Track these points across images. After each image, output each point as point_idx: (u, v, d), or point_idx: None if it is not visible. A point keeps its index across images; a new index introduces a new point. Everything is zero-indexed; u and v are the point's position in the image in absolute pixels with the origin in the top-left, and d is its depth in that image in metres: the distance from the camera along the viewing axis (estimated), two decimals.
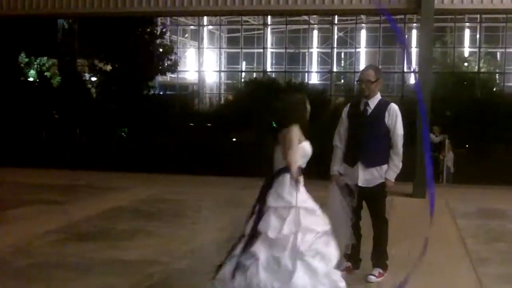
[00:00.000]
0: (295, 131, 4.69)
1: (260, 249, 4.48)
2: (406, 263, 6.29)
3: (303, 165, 4.78)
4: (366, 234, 6.04)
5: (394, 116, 5.75)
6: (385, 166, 5.78)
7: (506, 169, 17.29)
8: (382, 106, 5.81)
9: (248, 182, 13.63)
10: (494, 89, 30.82)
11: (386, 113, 5.76)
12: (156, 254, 6.81)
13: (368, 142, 5.76)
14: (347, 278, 5.81)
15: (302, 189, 4.59)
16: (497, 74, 35.37)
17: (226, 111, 23.83)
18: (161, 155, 17.70)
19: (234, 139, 20.68)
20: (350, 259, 5.98)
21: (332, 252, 4.58)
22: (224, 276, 4.57)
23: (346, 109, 5.99)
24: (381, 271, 5.89)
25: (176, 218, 9.13)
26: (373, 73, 5.83)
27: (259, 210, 4.64)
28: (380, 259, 5.94)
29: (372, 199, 5.87)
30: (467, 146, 20.82)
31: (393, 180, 5.81)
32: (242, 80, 35.36)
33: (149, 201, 10.46)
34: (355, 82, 23.67)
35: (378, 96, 5.85)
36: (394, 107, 5.81)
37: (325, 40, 38.86)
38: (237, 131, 20.26)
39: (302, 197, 4.57)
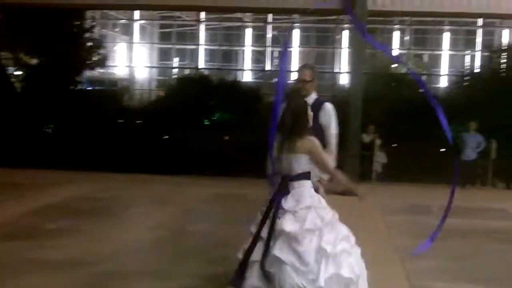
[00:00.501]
0: (317, 143, 4.80)
1: (283, 251, 4.42)
2: None
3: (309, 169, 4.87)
4: None
5: (328, 115, 5.76)
6: None
7: (432, 167, 17.75)
8: (317, 105, 5.77)
9: (178, 180, 13.58)
10: (421, 91, 31.63)
11: (321, 112, 5.74)
12: (84, 253, 6.61)
13: None
14: None
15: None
16: (424, 76, 36.32)
17: (157, 108, 23.48)
18: (89, 152, 17.26)
19: (165, 137, 20.39)
20: None
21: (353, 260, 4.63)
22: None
23: (282, 108, 5.94)
24: None
25: (106, 216, 8.92)
26: (310, 72, 5.82)
27: (274, 213, 4.63)
28: None
29: None
30: (395, 145, 21.23)
31: (327, 179, 5.76)
32: (174, 76, 35.04)
33: (79, 199, 10.21)
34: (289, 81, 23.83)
35: (313, 95, 5.84)
36: (328, 106, 5.82)
37: (259, 39, 38.96)
38: (168, 128, 19.97)
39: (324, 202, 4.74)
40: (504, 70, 21.23)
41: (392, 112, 22.18)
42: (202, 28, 38.77)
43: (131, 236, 7.53)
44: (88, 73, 28.57)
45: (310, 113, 5.03)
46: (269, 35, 38.05)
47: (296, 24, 37.22)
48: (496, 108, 18.03)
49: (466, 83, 22.46)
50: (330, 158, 5.13)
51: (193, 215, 9.48)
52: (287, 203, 4.69)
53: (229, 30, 39.58)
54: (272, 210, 4.67)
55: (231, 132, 19.82)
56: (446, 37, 36.99)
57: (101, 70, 32.38)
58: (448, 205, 5.30)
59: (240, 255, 4.76)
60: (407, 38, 36.00)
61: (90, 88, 29.31)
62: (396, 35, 37.35)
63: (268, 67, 37.94)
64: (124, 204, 10.17)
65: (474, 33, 36.04)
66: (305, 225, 4.48)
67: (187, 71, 34.04)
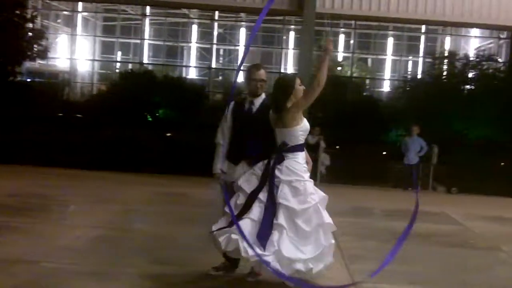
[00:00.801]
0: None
1: (283, 221, 5.22)
2: None
3: (303, 141, 5.52)
4: None
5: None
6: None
7: (374, 169, 18.00)
8: (266, 105, 5.79)
9: (120, 177, 13.33)
10: (365, 94, 32.07)
11: (271, 112, 5.72)
12: (22, 252, 6.36)
13: (253, 140, 5.72)
14: (225, 277, 5.78)
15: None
16: (368, 80, 36.86)
17: (99, 102, 23.07)
18: (26, 146, 16.74)
19: (107, 132, 20.01)
20: (229, 258, 5.81)
21: None
22: (246, 250, 5.10)
23: (230, 107, 5.90)
24: (258, 270, 5.69)
25: (44, 213, 8.66)
26: (265, 72, 5.86)
27: (271, 181, 5.33)
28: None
29: None
30: (338, 147, 21.44)
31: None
32: (117, 70, 34.52)
33: (16, 195, 9.87)
34: (237, 80, 23.68)
35: (262, 95, 5.85)
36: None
37: (205, 36, 38.75)
38: (109, 123, 19.60)
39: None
40: (446, 76, 21.73)
41: (336, 114, 22.42)
42: (147, 22, 38.32)
43: (71, 235, 7.29)
44: (28, 65, 27.87)
45: (300, 87, 5.54)
46: (216, 32, 37.92)
47: (243, 23, 37.25)
48: (437, 113, 18.44)
49: (409, 88, 22.90)
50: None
51: (135, 214, 9.30)
52: (283, 173, 5.38)
53: (174, 25, 39.23)
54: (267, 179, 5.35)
55: (175, 130, 19.64)
56: (390, 42, 37.62)
57: (42, 62, 31.67)
58: (414, 210, 6.02)
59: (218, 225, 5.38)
60: (352, 41, 36.47)
61: (29, 80, 28.59)
62: (341, 39, 37.78)
63: (213, 64, 37.82)
64: (63, 201, 9.89)
65: (417, 39, 36.79)
66: (303, 199, 5.32)
67: (130, 66, 33.54)
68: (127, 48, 39.85)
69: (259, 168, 5.50)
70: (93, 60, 38.75)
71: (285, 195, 5.31)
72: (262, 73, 5.81)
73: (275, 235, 5.16)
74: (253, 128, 5.73)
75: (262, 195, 5.31)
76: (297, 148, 5.50)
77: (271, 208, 5.27)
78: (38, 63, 31.08)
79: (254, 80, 5.76)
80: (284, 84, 5.61)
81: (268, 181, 5.34)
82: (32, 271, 5.71)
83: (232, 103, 5.95)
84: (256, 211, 5.27)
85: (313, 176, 7.09)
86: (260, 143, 5.71)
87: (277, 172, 5.38)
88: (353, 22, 33.60)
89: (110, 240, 7.17)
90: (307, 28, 12.50)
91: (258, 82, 5.77)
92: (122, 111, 19.76)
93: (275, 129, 5.53)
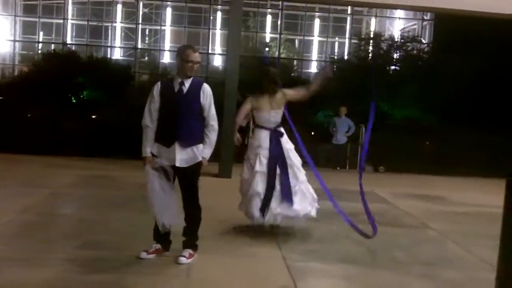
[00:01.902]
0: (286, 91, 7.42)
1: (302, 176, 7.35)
2: (218, 244, 6.42)
3: None
4: None
5: (208, 96, 5.75)
6: (201, 145, 5.74)
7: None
8: (196, 86, 5.74)
9: (45, 160, 12.93)
10: (293, 75, 32.30)
11: (201, 93, 5.71)
12: None
13: (185, 122, 5.65)
14: (156, 260, 5.67)
15: None
16: (295, 61, 37.10)
17: (21, 84, 22.36)
18: None
19: (29, 115, 19.41)
20: (160, 241, 5.85)
21: None
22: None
23: (157, 88, 5.76)
24: (191, 252, 5.80)
25: None
26: (199, 55, 5.82)
27: (279, 152, 7.10)
28: (191, 240, 5.86)
29: (187, 180, 5.77)
30: None
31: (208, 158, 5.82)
32: (39, 51, 33.52)
33: None
34: (162, 60, 23.37)
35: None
36: (207, 87, 5.81)
37: (130, 15, 38.05)
38: (32, 105, 19.02)
39: None
40: (371, 57, 22.12)
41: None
42: (69, 1, 37.31)
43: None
44: None
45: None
46: (141, 12, 37.31)
47: (169, 3, 36.75)
48: (364, 94, 18.72)
49: (336, 69, 23.18)
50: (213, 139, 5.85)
51: (63, 198, 9.04)
52: (285, 143, 7.18)
53: (98, 5, 38.35)
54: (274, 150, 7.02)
55: (100, 111, 19.26)
56: (317, 23, 37.96)
57: None
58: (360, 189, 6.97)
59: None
60: (279, 22, 36.58)
61: None
62: (268, 19, 37.86)
63: (139, 45, 37.21)
64: None
65: (343, 20, 37.27)
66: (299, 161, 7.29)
67: (53, 47, 32.60)
68: (50, 28, 38.72)
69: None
70: (14, 40, 37.50)
71: (294, 158, 7.19)
72: (198, 55, 5.77)
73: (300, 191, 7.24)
74: (184, 108, 5.65)
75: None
76: (281, 124, 7.25)
77: (285, 172, 7.02)
78: None
79: (190, 61, 5.66)
80: (280, 76, 7.48)
81: (279, 152, 7.04)
82: None
83: (159, 83, 5.82)
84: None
85: (241, 158, 7.18)
86: (191, 124, 5.66)
87: (284, 144, 7.14)
88: (280, 2, 33.75)
89: (39, 225, 6.95)
90: (235, 8, 12.35)
91: (195, 64, 5.69)
92: (46, 92, 19.20)
93: (271, 111, 7.15)
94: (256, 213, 6.90)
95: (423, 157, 15.95)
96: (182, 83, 5.70)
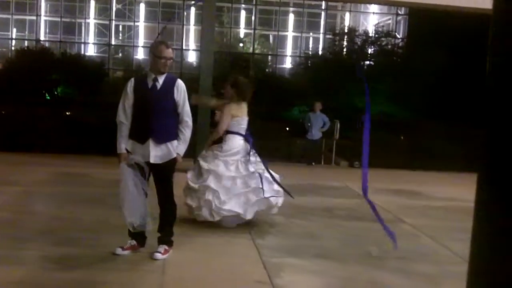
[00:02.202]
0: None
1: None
2: (194, 239, 6.40)
3: None
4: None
5: (182, 92, 5.75)
6: (175, 142, 5.74)
7: (277, 146, 18.18)
8: (170, 82, 5.74)
9: (17, 158, 12.80)
10: (267, 70, 32.32)
11: (175, 89, 5.70)
12: None
13: (159, 118, 5.65)
14: (132, 256, 5.66)
15: None
16: (270, 56, 37.12)
17: None
18: None
19: (2, 112, 19.19)
20: (136, 237, 5.84)
21: None
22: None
23: (131, 84, 5.75)
24: (166, 247, 5.80)
25: None
26: (172, 51, 5.82)
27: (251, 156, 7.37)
28: (166, 236, 5.86)
29: (162, 176, 5.77)
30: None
31: (182, 154, 5.82)
32: (13, 48, 33.16)
33: None
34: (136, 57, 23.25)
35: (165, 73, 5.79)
36: (181, 83, 5.81)
37: (103, 12, 37.76)
38: (5, 102, 18.79)
39: None
40: (346, 52, 22.21)
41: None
42: None
43: None
44: None
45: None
46: (114, 8, 37.03)
47: None
48: (338, 89, 18.82)
49: (310, 65, 23.24)
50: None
51: (35, 195, 8.97)
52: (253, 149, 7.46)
53: (71, 1, 37.99)
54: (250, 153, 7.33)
55: (74, 108, 19.11)
56: (291, 18, 37.99)
57: None
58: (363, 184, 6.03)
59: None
60: (253, 18, 36.55)
61: None
62: (242, 15, 37.83)
63: (113, 41, 36.95)
64: None
65: (317, 16, 37.34)
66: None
67: (26, 43, 32.27)
68: (23, 24, 38.34)
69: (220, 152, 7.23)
70: None
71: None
72: (171, 51, 5.77)
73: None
74: (158, 105, 5.64)
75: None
76: None
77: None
78: None
79: (164, 58, 5.66)
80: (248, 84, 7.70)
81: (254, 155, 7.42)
82: None
83: (133, 80, 5.81)
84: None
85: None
86: (165, 121, 5.67)
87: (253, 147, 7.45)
88: None
89: (11, 223, 6.91)
90: (208, 3, 12.32)
91: (168, 60, 5.69)
92: (20, 89, 19.00)
93: (245, 118, 7.46)
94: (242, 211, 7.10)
95: (398, 152, 16.06)
96: (155, 79, 5.69)
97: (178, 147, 5.74)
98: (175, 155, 5.73)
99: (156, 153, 5.64)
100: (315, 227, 7.62)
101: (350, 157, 15.89)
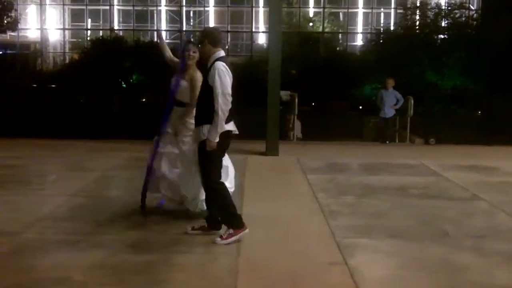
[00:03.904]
0: None
1: None
2: (261, 221, 6.37)
3: None
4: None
5: (214, 75, 5.55)
6: (207, 126, 5.60)
7: (349, 125, 18.04)
8: (210, 67, 5.70)
9: (95, 145, 13.17)
10: (338, 49, 31.97)
11: (210, 73, 5.63)
12: (2, 223, 6.31)
13: (198, 103, 5.86)
14: (206, 238, 5.78)
15: None
16: (340, 34, 36.69)
17: (72, 71, 22.79)
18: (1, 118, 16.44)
19: (81, 100, 19.79)
20: (208, 219, 5.95)
21: None
22: None
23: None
24: (231, 231, 5.74)
25: (21, 185, 8.51)
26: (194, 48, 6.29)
27: None
28: (225, 221, 5.85)
29: (198, 162, 5.86)
30: (313, 104, 21.45)
31: (215, 140, 5.58)
32: (88, 38, 34.07)
33: None
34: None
35: (215, 56, 5.70)
36: (215, 65, 5.61)
37: None
38: (83, 91, 19.38)
39: None
40: (418, 27, 21.66)
41: (310, 71, 22.35)
42: None
43: (50, 205, 7.19)
44: None
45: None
46: None
47: None
48: (411, 65, 18.41)
49: (382, 41, 22.80)
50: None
51: (111, 181, 9.21)
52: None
53: None
54: None
55: (148, 94, 19.48)
56: None
57: (12, 34, 31.09)
58: None
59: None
60: None
61: (1, 53, 28.14)
62: None
63: (184, 27, 37.37)
64: (39, 171, 9.72)
65: None
66: None
67: (101, 33, 33.10)
68: (97, 15, 39.30)
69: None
70: (63, 29, 38.19)
71: None
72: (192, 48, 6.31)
73: None
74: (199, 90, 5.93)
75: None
76: None
77: None
78: (9, 35, 30.53)
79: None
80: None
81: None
82: (14, 242, 5.68)
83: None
84: None
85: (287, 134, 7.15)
86: (199, 105, 5.84)
87: None
88: None
89: (89, 208, 7.12)
90: None
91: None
92: (96, 78, 19.53)
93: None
94: None
95: (474, 127, 15.59)
96: (207, 66, 5.85)
97: (208, 132, 5.66)
98: (204, 138, 5.66)
99: (194, 136, 5.98)
100: (389, 207, 7.51)
101: (425, 134, 15.58)
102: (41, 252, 5.43)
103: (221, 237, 5.70)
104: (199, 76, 6.28)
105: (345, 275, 4.98)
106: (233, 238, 5.69)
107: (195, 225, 5.96)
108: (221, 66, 5.57)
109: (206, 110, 5.60)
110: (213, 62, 5.63)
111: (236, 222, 5.77)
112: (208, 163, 5.73)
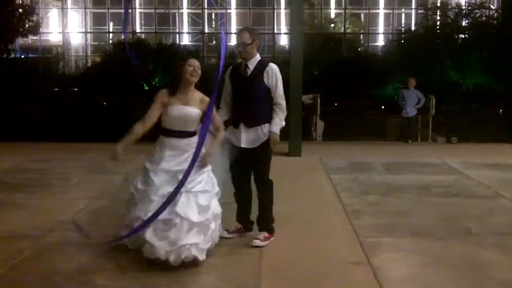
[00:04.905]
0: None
1: None
2: (285, 221, 6.40)
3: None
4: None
5: (274, 76, 5.72)
6: (267, 125, 5.73)
7: (372, 124, 18.05)
8: (261, 67, 5.76)
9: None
10: (360, 49, 31.92)
11: (265, 74, 5.71)
12: (25, 227, 6.37)
13: (249, 103, 5.72)
14: (234, 240, 5.83)
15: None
16: (361, 35, 36.62)
17: (94, 74, 22.99)
18: (24, 122, 16.66)
19: (104, 103, 19.98)
20: (241, 221, 6.02)
21: None
22: None
23: (228, 72, 5.90)
24: (266, 235, 5.82)
25: (43, 188, 8.60)
26: (248, 35, 5.73)
27: None
28: (265, 222, 5.91)
29: (256, 160, 5.82)
30: (336, 104, 21.49)
31: (278, 133, 5.74)
32: (110, 41, 34.34)
33: (13, 172, 9.80)
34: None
35: (257, 57, 5.79)
36: (273, 67, 5.79)
37: (195, 1, 38.40)
38: (106, 94, 19.55)
39: None
40: (439, 27, 21.61)
41: (332, 72, 22.37)
42: None
43: (72, 208, 7.26)
44: (20, 41, 27.67)
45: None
46: None
47: None
48: (433, 64, 18.36)
49: (403, 41, 22.78)
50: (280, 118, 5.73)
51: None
52: None
53: None
54: None
55: None
56: None
57: (34, 38, 31.45)
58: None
59: None
60: None
61: (23, 57, 28.43)
62: None
63: (206, 29, 37.54)
64: (61, 174, 9.79)
65: None
66: None
67: (123, 36, 33.35)
68: (119, 18, 39.57)
69: None
70: (85, 32, 38.56)
71: None
72: (243, 36, 5.71)
73: None
74: (248, 90, 5.73)
75: None
76: None
77: None
78: (31, 39, 30.86)
79: (237, 44, 5.76)
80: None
81: None
82: (37, 246, 5.72)
83: (230, 67, 5.93)
84: None
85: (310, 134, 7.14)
86: (256, 105, 5.73)
87: None
88: None
89: (112, 211, 7.07)
90: None
91: (240, 46, 5.72)
92: (118, 81, 19.69)
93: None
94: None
95: (496, 125, 15.53)
96: (246, 66, 5.78)
97: (271, 126, 5.71)
98: (266, 139, 5.72)
99: (247, 137, 5.72)
100: (411, 205, 7.54)
101: (447, 133, 15.55)
102: (64, 255, 5.47)
103: (260, 239, 5.74)
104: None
105: (369, 274, 5.02)
106: (268, 241, 5.76)
107: (229, 229, 5.95)
108: (276, 67, 5.79)
109: (260, 111, 5.73)
110: (263, 64, 5.77)
111: (272, 226, 5.91)
112: (268, 161, 5.86)
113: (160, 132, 5.46)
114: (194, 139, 5.30)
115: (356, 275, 5.05)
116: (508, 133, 14.65)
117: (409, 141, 15.15)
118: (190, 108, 5.26)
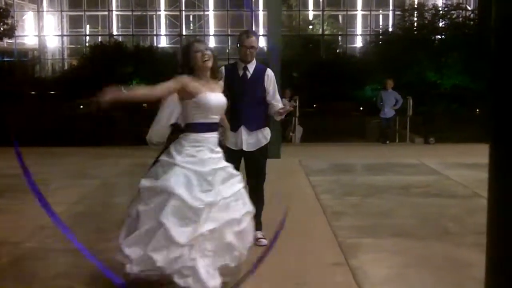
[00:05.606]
0: None
1: None
2: (264, 224, 6.34)
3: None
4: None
5: (272, 80, 5.81)
6: (266, 129, 5.83)
7: (351, 125, 18.10)
8: (260, 71, 5.80)
9: (95, 151, 13.18)
10: (338, 51, 32.01)
11: (265, 77, 5.77)
12: (4, 233, 6.29)
13: (250, 106, 5.72)
14: None
15: None
16: (340, 36, 36.75)
17: (71, 77, 22.83)
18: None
19: (81, 107, 19.81)
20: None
21: None
22: None
23: (221, 73, 5.81)
24: (263, 233, 5.86)
25: (22, 193, 8.44)
26: (256, 39, 5.80)
27: None
28: (259, 220, 5.90)
29: (256, 162, 5.83)
30: (314, 105, 21.51)
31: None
32: (87, 44, 34.12)
33: None
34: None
35: (254, 61, 5.83)
36: (271, 71, 5.88)
37: (173, 3, 38.26)
38: (83, 98, 19.39)
39: None
40: (416, 28, 21.78)
41: (311, 73, 22.40)
42: None
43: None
44: None
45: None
46: None
47: None
48: (410, 65, 18.48)
49: (381, 42, 22.92)
50: None
51: (113, 187, 9.21)
52: None
53: None
54: None
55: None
56: None
57: (10, 41, 31.13)
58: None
59: None
60: None
61: None
62: None
63: (184, 31, 37.42)
64: (40, 179, 9.54)
65: None
66: None
67: (100, 39, 33.14)
68: (95, 20, 39.32)
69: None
70: (62, 35, 38.21)
71: None
72: (253, 40, 5.74)
73: None
74: (249, 93, 5.72)
75: None
76: None
77: None
78: (6, 42, 30.55)
79: (244, 46, 5.70)
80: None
81: None
82: (15, 252, 5.65)
83: (223, 68, 5.83)
84: None
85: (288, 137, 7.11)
86: (256, 108, 5.76)
87: None
88: None
89: (92, 215, 7.09)
90: None
91: (249, 49, 5.69)
92: (96, 84, 19.51)
93: None
94: None
95: (473, 125, 15.64)
96: (246, 68, 5.77)
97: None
98: (266, 142, 5.82)
99: (248, 140, 5.72)
100: (392, 206, 7.54)
101: (425, 133, 15.63)
102: (43, 261, 5.41)
103: (264, 238, 5.79)
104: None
105: (348, 275, 4.99)
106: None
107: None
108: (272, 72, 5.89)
109: (260, 114, 5.79)
110: (260, 67, 5.83)
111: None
112: (265, 163, 5.95)
113: (188, 129, 4.45)
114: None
115: (335, 276, 5.01)
116: (486, 133, 14.75)
117: (387, 142, 15.21)
118: (221, 95, 4.56)
